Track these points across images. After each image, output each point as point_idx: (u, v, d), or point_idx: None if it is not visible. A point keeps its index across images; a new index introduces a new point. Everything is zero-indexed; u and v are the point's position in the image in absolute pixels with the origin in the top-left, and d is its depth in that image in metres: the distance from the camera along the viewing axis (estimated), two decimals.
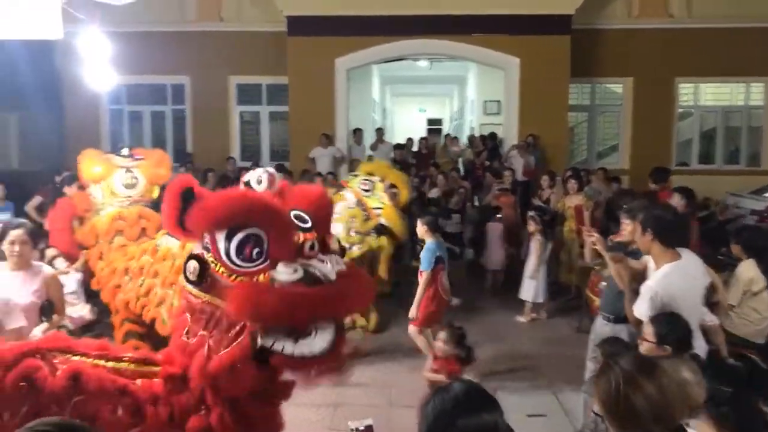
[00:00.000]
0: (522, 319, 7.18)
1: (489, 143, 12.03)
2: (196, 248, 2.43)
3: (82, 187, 5.48)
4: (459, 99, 20.26)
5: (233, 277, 2.31)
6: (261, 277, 2.29)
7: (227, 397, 2.37)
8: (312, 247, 2.37)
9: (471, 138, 13.45)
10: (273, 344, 2.25)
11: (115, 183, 5.12)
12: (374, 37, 11.14)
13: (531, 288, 7.16)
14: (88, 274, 5.49)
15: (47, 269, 4.07)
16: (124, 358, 2.53)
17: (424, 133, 19.79)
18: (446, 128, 22.80)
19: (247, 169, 8.87)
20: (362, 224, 6.46)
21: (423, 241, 7.34)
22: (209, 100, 12.23)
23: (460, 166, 11.74)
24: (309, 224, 2.42)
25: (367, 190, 6.58)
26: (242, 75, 12.28)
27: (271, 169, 2.58)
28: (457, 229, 8.92)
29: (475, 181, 10.77)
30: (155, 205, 5.25)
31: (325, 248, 2.44)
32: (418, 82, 19.19)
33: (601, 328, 4.32)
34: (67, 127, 12.32)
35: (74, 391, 2.32)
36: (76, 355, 2.47)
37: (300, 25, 11.03)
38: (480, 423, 1.68)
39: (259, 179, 2.49)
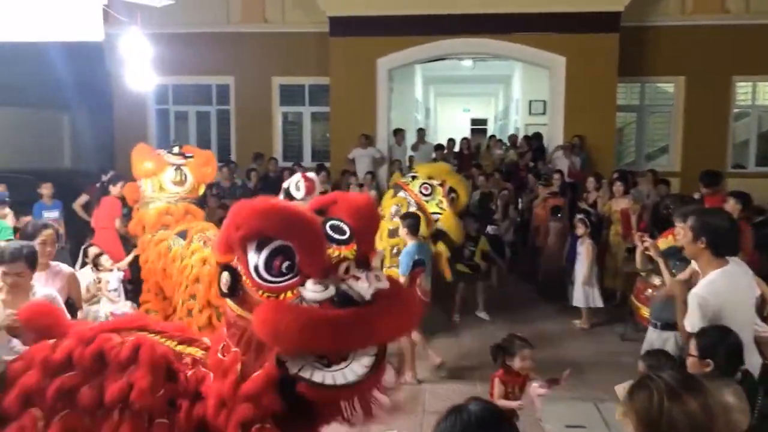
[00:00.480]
0: (583, 325, 6.98)
1: (533, 144, 11.78)
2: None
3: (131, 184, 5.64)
4: (504, 98, 19.97)
5: (260, 292, 2.15)
6: (288, 294, 2.11)
7: (244, 423, 2.18)
8: (343, 262, 2.14)
9: (512, 138, 13.20)
10: (300, 370, 2.06)
11: (164, 179, 5.27)
12: (416, 37, 11.04)
13: (584, 294, 6.96)
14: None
15: (66, 268, 4.15)
16: (193, 344, 2.50)
17: (468, 134, 19.63)
18: (491, 128, 22.55)
19: (290, 170, 8.91)
20: (423, 227, 6.26)
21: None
22: (253, 100, 12.35)
23: (503, 168, 11.52)
24: (347, 236, 2.20)
25: (427, 195, 6.41)
26: (285, 76, 12.36)
27: (311, 174, 2.46)
28: (498, 231, 8.73)
29: (519, 182, 10.55)
30: (200, 202, 5.73)
31: (365, 263, 2.22)
32: (462, 82, 18.99)
33: (650, 334, 4.20)
34: (115, 127, 12.65)
35: (133, 362, 2.38)
36: (151, 333, 2.57)
37: (342, 26, 11.03)
38: None
39: (297, 185, 2.38)
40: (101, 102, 12.32)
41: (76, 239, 7.93)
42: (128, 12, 5.62)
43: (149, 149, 5.53)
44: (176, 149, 5.40)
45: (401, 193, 6.51)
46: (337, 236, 2.18)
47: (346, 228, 2.21)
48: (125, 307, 5.97)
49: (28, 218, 6.87)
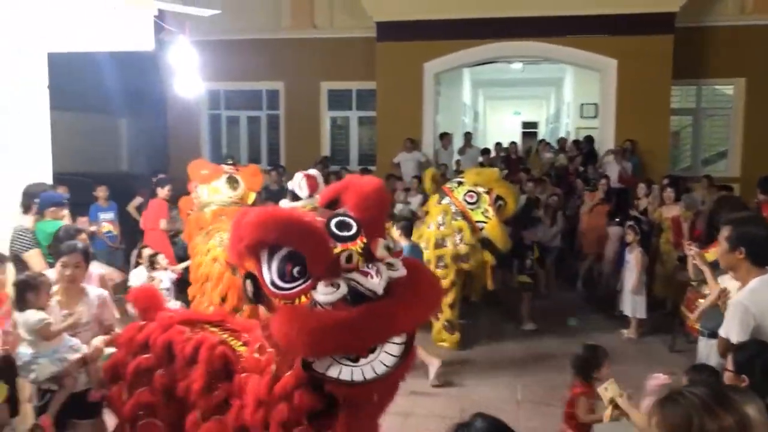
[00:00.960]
0: (630, 335, 6.80)
1: (584, 147, 11.54)
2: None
3: (187, 192, 6.17)
4: (555, 101, 19.65)
5: (277, 299, 2.17)
6: (303, 299, 2.11)
7: (282, 423, 2.23)
8: (349, 259, 2.10)
9: (561, 142, 12.96)
10: (327, 369, 2.06)
11: (220, 185, 5.89)
12: (463, 41, 10.99)
13: (634, 302, 6.78)
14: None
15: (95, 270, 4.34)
16: (255, 349, 2.54)
17: (518, 137, 19.39)
18: (542, 132, 22.21)
19: (337, 174, 9.12)
20: (470, 236, 6.24)
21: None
22: (301, 105, 12.55)
23: (552, 172, 11.32)
24: (353, 231, 2.16)
25: (472, 203, 6.28)
26: (333, 80, 12.51)
27: (313, 172, 2.46)
28: (546, 237, 8.56)
29: (568, 187, 10.35)
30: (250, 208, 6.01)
31: (370, 255, 2.15)
32: (512, 85, 18.77)
33: (699, 344, 4.06)
34: (169, 132, 13.09)
35: (194, 360, 2.58)
36: (223, 330, 2.75)
37: (389, 31, 11.08)
38: None
39: (300, 185, 2.38)
40: (156, 108, 12.77)
41: (129, 240, 8.26)
42: (178, 22, 5.81)
43: (205, 161, 6.40)
44: (229, 161, 6.19)
45: (445, 200, 6.47)
46: (343, 233, 2.15)
47: (352, 222, 2.18)
48: (175, 305, 6.19)
49: (84, 219, 7.19)
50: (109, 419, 3.30)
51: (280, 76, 12.61)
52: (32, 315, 3.37)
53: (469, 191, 6.32)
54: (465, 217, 6.27)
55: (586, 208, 8.59)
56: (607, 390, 3.24)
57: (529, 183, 9.58)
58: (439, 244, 6.26)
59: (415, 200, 9.39)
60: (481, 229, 6.26)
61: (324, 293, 2.04)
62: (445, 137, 11.97)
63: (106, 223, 7.94)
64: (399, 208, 9.31)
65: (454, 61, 11.55)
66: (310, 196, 2.42)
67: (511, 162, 11.82)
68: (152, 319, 2.90)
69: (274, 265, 2.14)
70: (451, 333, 6.41)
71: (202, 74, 11.33)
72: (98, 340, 3.53)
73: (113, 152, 13.18)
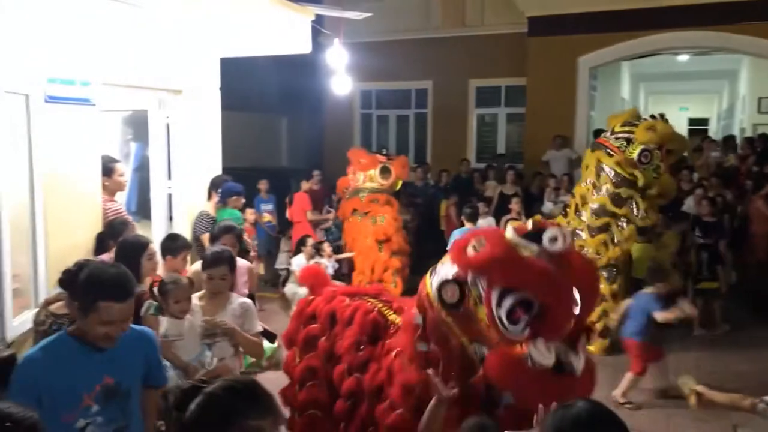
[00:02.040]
0: None
1: (758, 145, 10.41)
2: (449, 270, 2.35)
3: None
4: (729, 96, 17.88)
5: (496, 333, 2.20)
6: (519, 347, 2.15)
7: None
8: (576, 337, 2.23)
9: (728, 140, 11.81)
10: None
11: (375, 173, 7.26)
12: (622, 33, 10.39)
13: None
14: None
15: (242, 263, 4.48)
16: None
17: (685, 135, 17.91)
18: (712, 128, 20.36)
19: (481, 172, 9.69)
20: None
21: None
22: (449, 103, 12.64)
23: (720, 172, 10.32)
24: (578, 306, 2.21)
25: (646, 163, 5.85)
26: (482, 78, 12.45)
27: (567, 230, 2.38)
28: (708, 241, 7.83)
29: (739, 189, 9.41)
30: (396, 194, 7.80)
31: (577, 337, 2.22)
32: (677, 79, 17.36)
33: None
34: (325, 130, 13.84)
35: (349, 322, 2.99)
36: (379, 301, 3.10)
37: (541, 25, 10.80)
38: None
39: (553, 237, 2.21)
40: (314, 107, 13.57)
41: (283, 230, 8.92)
42: (334, 26, 6.17)
43: (363, 151, 7.86)
44: (384, 151, 7.18)
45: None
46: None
47: (578, 298, 2.21)
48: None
49: (251, 210, 7.88)
50: None
51: (429, 75, 12.80)
52: (162, 324, 3.23)
53: (644, 151, 5.83)
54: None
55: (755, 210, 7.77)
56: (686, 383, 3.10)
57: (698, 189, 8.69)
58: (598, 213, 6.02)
59: (565, 199, 9.09)
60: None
61: (542, 355, 2.09)
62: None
63: (267, 213, 8.63)
64: (548, 207, 9.07)
65: (612, 55, 10.96)
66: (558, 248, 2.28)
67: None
68: (319, 294, 3.32)
69: (507, 303, 2.14)
70: (603, 336, 6.01)
71: (356, 75, 11.94)
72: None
73: (275, 148, 14.22)
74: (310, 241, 7.18)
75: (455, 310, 2.31)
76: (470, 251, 2.22)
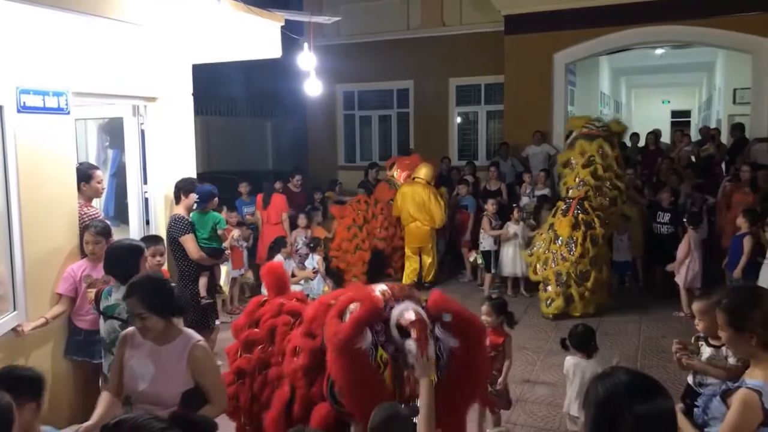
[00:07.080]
0: None
1: (735, 136, 10.62)
2: None
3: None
4: (707, 88, 18.14)
5: None
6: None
7: None
8: None
9: (704, 130, 12.04)
10: None
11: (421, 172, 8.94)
12: (595, 29, 10.60)
13: None
14: None
15: None
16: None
17: (668, 127, 18.18)
18: (694, 120, 20.63)
19: (458, 170, 10.05)
20: None
21: None
22: (430, 102, 12.83)
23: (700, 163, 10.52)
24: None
25: None
26: (461, 76, 12.63)
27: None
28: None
29: (712, 178, 9.61)
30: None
31: None
32: (658, 72, 17.59)
33: None
34: (308, 132, 14.00)
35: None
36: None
37: (517, 23, 10.99)
38: (659, 409, 1.59)
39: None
40: (298, 110, 13.72)
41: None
42: (306, 30, 6.32)
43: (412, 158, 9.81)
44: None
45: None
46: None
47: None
48: (320, 285, 7.26)
49: (233, 213, 7.99)
50: None
51: (409, 75, 12.99)
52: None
53: None
54: None
55: (721, 198, 7.98)
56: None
57: (674, 177, 8.94)
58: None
59: (541, 194, 9.27)
60: None
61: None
62: None
63: (249, 216, 8.75)
64: (524, 201, 9.24)
65: (586, 51, 11.17)
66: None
67: (649, 153, 11.18)
68: (277, 295, 3.49)
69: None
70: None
71: (338, 76, 12.00)
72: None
73: (261, 152, 14.36)
74: (302, 240, 7.51)
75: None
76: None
